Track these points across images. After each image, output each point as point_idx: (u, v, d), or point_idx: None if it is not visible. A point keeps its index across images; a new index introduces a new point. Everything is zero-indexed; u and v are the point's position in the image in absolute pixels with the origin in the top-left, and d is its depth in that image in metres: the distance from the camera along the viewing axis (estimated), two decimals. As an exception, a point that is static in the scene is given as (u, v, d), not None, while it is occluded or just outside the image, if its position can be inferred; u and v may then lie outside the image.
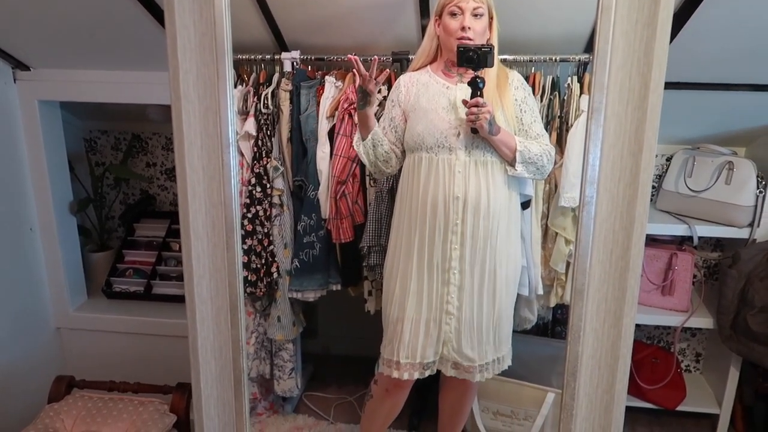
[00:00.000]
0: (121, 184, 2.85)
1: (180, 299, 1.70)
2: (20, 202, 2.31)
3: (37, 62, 2.23)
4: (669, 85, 1.25)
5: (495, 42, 1.66)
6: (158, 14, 1.83)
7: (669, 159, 2.36)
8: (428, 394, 2.29)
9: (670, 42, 1.20)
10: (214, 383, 1.50)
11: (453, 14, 1.61)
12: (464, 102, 1.59)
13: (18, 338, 2.32)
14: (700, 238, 2.17)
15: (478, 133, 1.61)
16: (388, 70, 1.86)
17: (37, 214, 2.38)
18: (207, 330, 1.46)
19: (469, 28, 1.60)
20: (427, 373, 1.75)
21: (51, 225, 2.40)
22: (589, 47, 1.96)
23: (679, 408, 2.35)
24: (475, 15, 1.61)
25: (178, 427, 1.92)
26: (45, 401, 1.96)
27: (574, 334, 1.35)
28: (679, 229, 2.17)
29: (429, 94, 1.70)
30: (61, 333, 2.53)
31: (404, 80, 1.77)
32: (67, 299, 2.49)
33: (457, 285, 1.69)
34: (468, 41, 1.59)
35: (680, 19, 1.68)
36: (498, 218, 1.67)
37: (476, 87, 1.56)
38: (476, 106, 1.55)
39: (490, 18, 1.65)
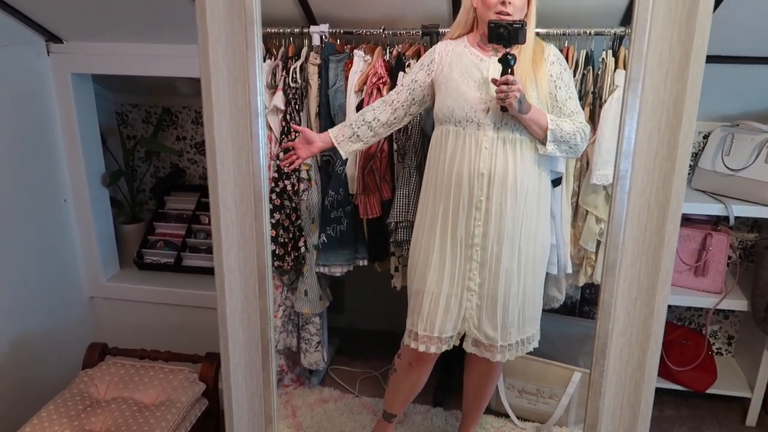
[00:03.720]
0: (152, 158, 2.89)
1: (209, 271, 1.72)
2: (54, 173, 2.36)
3: (69, 35, 2.25)
4: (708, 59, 1.20)
5: (533, 17, 1.62)
6: (188, -14, 1.83)
7: (706, 136, 2.29)
8: (453, 369, 2.29)
9: (712, 11, 1.16)
10: (243, 352, 1.52)
11: None
12: (493, 81, 1.56)
13: (53, 307, 2.38)
14: (736, 218, 2.11)
15: (508, 111, 1.58)
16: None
17: (71, 186, 2.43)
18: (235, 300, 1.48)
19: (509, 2, 1.56)
20: (444, 347, 1.75)
21: (84, 197, 2.44)
22: (625, 20, 1.91)
23: (710, 391, 2.31)
24: None
25: (207, 395, 1.96)
26: (80, 367, 2.02)
27: (604, 310, 1.32)
28: (714, 209, 2.12)
29: (462, 66, 1.67)
30: (95, 302, 2.60)
31: (440, 47, 1.75)
32: (100, 269, 2.55)
33: (479, 262, 1.68)
34: (506, 16, 1.56)
35: (723, -12, 1.62)
36: (525, 196, 1.65)
37: (507, 64, 1.53)
38: (506, 83, 1.52)
39: None
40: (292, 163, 1.85)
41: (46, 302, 2.34)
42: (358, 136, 1.81)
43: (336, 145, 1.82)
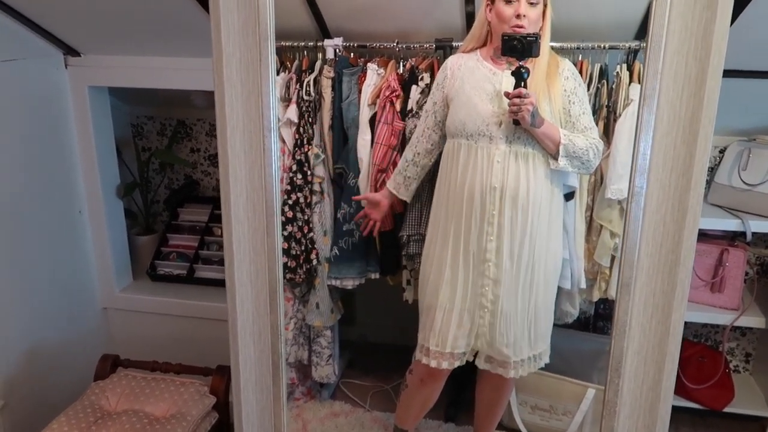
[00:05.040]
0: (166, 169, 2.91)
1: (221, 283, 1.73)
2: (70, 185, 2.38)
3: (87, 48, 2.28)
4: (724, 73, 1.19)
5: (547, 31, 1.61)
6: (204, 1, 1.85)
7: (722, 151, 2.26)
8: (465, 385, 2.27)
9: (729, 26, 1.14)
10: (253, 367, 1.52)
11: (508, 1, 1.57)
12: (506, 94, 1.56)
13: (66, 317, 2.39)
14: (753, 233, 2.08)
15: (520, 125, 1.57)
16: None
17: (86, 198, 2.45)
18: (246, 314, 1.48)
19: (524, 15, 1.55)
20: (457, 364, 1.73)
21: (99, 208, 2.47)
22: (640, 34, 1.89)
23: (727, 409, 2.27)
24: (531, 3, 1.57)
25: (218, 408, 1.96)
26: (91, 378, 2.03)
27: (619, 329, 1.30)
28: (731, 224, 2.08)
29: (474, 80, 1.67)
30: (108, 313, 2.61)
31: (451, 62, 1.75)
32: (113, 280, 2.56)
33: (492, 277, 1.66)
34: (521, 30, 1.55)
35: (740, 2, 1.60)
36: (538, 211, 1.64)
37: (520, 77, 1.52)
38: (519, 97, 1.52)
39: (545, 6, 1.60)
40: (372, 229, 1.97)
41: (60, 312, 2.36)
42: (408, 177, 1.87)
43: (396, 194, 1.90)
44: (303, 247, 2.12)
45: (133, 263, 2.71)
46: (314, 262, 2.12)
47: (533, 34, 1.53)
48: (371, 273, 2.16)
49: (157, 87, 2.34)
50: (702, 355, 2.34)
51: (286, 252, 2.11)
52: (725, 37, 1.13)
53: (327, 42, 2.06)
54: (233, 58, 1.33)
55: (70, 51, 2.28)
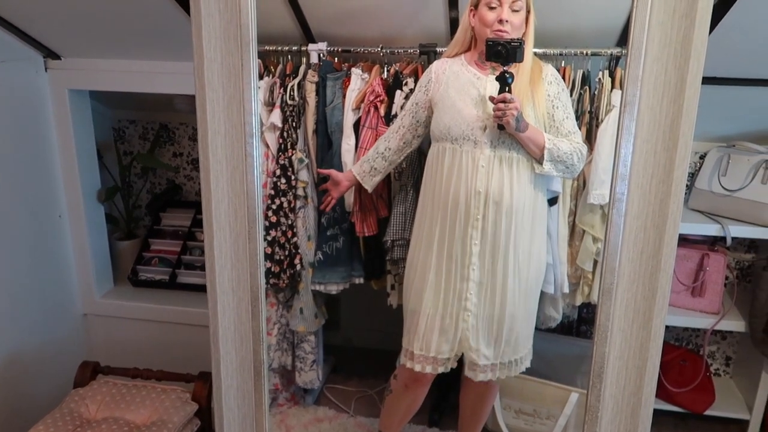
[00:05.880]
0: (148, 174, 2.88)
1: (204, 288, 1.71)
2: (50, 189, 2.35)
3: (67, 52, 2.25)
4: (704, 80, 1.21)
5: (531, 37, 1.63)
6: (186, 4, 1.83)
7: (702, 157, 2.29)
8: (449, 390, 2.27)
9: (708, 34, 1.16)
10: (235, 374, 1.50)
11: (491, 7, 1.58)
12: (491, 98, 1.56)
13: (46, 323, 2.36)
14: (733, 238, 2.11)
15: (505, 129, 1.58)
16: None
17: (66, 202, 2.42)
18: (228, 320, 1.46)
19: (506, 21, 1.57)
20: (441, 369, 1.73)
21: (80, 213, 2.43)
22: (622, 41, 1.91)
23: (708, 412, 2.29)
24: (514, 9, 1.58)
25: (200, 415, 1.94)
26: (71, 386, 2.00)
27: (601, 334, 1.31)
28: (711, 229, 2.11)
29: (459, 84, 1.68)
30: (88, 319, 2.57)
31: (436, 66, 1.76)
32: (94, 286, 2.53)
33: (476, 281, 1.67)
34: (504, 35, 1.56)
35: (719, 10, 1.62)
36: (521, 215, 1.64)
37: (504, 82, 1.53)
38: (503, 101, 1.52)
39: (528, 12, 1.61)
40: (328, 204, 1.98)
41: (39, 318, 2.32)
42: (375, 168, 1.87)
43: (360, 180, 1.89)
44: (287, 252, 2.11)
45: (114, 269, 2.68)
46: (298, 266, 2.11)
47: (517, 39, 1.55)
48: (355, 278, 2.15)
49: (138, 91, 2.31)
50: (683, 358, 2.37)
51: (269, 257, 2.10)
52: (704, 45, 1.14)
53: (311, 46, 2.06)
54: (214, 63, 1.32)
55: (50, 54, 2.26)
